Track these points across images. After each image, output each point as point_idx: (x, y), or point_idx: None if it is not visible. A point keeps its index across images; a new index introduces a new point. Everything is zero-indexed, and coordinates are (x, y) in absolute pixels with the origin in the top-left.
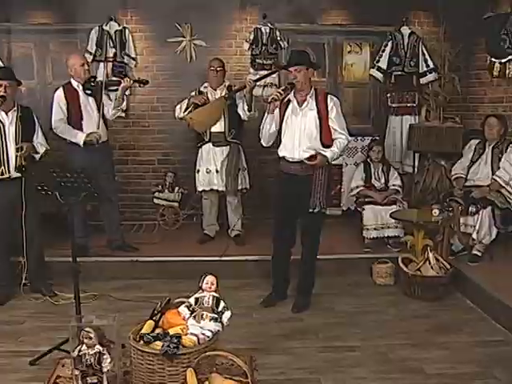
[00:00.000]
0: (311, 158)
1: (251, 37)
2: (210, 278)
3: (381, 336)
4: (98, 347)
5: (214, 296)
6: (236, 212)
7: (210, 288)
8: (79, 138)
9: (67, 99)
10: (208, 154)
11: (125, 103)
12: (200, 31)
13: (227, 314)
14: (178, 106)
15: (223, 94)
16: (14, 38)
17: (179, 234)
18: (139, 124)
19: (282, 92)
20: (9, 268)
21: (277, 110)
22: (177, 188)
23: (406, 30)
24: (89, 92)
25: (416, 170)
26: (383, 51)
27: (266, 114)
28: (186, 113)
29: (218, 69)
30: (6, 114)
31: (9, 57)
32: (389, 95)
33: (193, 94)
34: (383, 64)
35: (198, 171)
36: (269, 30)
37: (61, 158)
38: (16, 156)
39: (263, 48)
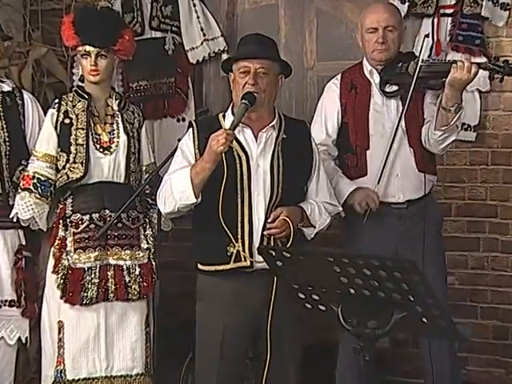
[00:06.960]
0: None
1: None
2: None
3: None
4: None
5: None
6: None
7: None
8: None
9: (342, 100)
10: None
11: (476, 111)
12: None
13: None
14: None
15: None
16: None
17: None
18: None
19: None
20: None
21: None
22: None
23: None
24: (390, 90)
25: None
26: None
27: None
28: None
29: None
30: (256, 135)
31: (231, 16)
32: None
33: None
34: None
35: None
36: None
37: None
38: (265, 221)
39: None
